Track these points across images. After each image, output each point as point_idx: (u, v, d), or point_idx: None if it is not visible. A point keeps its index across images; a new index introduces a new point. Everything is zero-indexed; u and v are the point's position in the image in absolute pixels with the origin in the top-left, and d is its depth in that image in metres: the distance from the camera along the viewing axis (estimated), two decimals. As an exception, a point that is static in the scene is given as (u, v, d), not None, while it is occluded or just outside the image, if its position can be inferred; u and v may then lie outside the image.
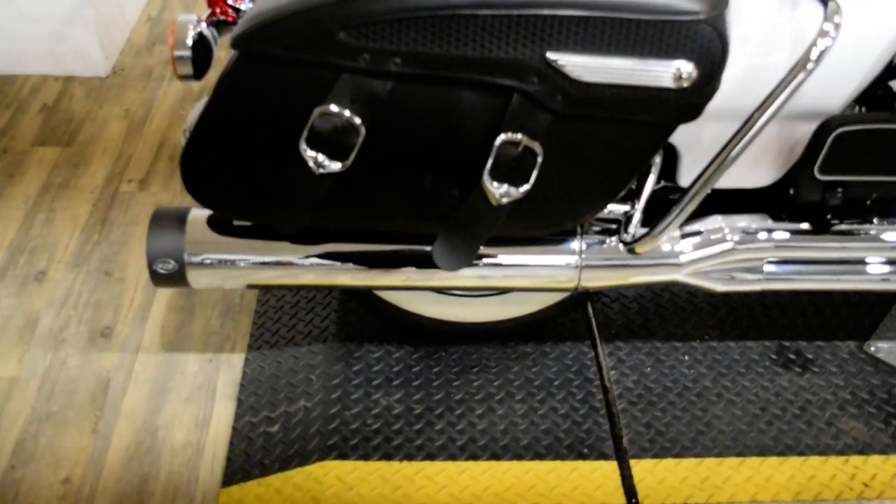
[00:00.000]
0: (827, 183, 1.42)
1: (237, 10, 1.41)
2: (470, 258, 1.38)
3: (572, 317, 1.91)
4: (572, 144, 1.26)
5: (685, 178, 1.45)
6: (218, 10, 1.41)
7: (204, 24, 1.35)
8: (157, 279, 1.47)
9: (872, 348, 1.87)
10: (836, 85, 1.41)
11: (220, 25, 1.40)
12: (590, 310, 1.92)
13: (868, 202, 1.44)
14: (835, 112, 1.44)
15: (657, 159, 1.45)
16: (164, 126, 2.50)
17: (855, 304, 1.96)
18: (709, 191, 1.37)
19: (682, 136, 1.41)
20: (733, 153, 1.31)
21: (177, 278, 1.47)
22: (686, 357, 1.84)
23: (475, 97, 1.22)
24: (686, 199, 1.38)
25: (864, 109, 1.58)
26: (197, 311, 1.92)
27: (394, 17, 1.15)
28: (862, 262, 1.55)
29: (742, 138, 1.30)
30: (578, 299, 1.83)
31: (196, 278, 1.48)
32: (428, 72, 1.19)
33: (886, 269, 1.53)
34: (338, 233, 1.46)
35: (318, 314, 1.90)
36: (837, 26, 1.24)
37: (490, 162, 1.23)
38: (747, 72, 1.31)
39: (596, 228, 1.51)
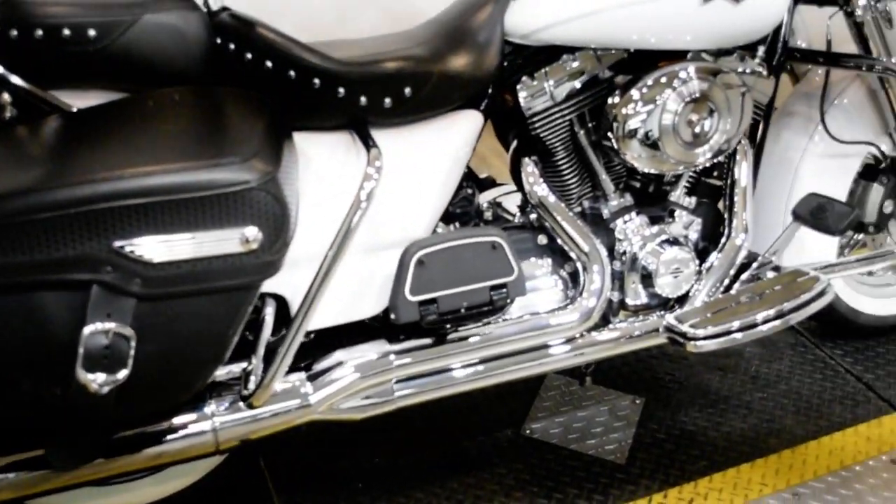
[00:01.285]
0: (420, 302, 1.55)
1: None
2: (93, 451, 1.37)
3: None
4: (164, 322, 1.29)
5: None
6: None
7: None
8: None
9: (528, 430, 2.03)
10: (410, 214, 1.56)
11: None
12: (261, 462, 1.94)
13: (462, 310, 1.60)
14: (421, 237, 1.59)
15: (269, 309, 1.53)
16: None
17: (504, 394, 2.12)
18: (303, 334, 1.45)
19: (284, 285, 1.50)
20: (316, 294, 1.41)
21: None
22: (360, 485, 1.89)
23: (55, 295, 1.23)
24: (285, 346, 1.46)
25: (458, 225, 1.76)
26: None
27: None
28: (480, 361, 1.69)
29: (318, 279, 1.40)
30: (248, 454, 1.84)
31: None
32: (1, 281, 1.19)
33: (496, 363, 1.68)
34: None
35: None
36: (379, 169, 1.39)
37: (80, 354, 1.24)
38: (315, 218, 1.43)
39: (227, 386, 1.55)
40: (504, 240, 1.60)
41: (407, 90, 1.51)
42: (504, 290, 1.60)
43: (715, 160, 1.77)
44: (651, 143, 1.68)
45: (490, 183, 1.93)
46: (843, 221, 1.77)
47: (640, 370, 2.20)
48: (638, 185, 1.85)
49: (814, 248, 2.08)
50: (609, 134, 1.68)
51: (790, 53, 1.95)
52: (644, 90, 1.66)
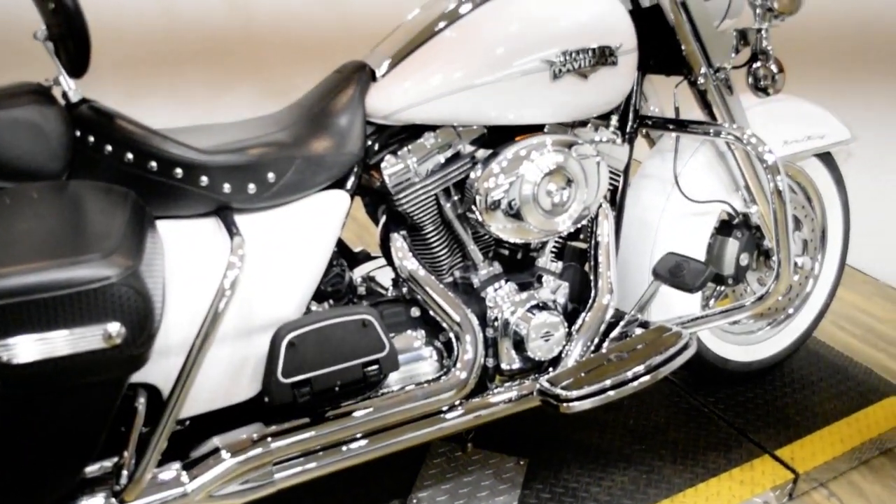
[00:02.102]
0: (294, 384, 1.57)
1: None
2: None
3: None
4: (29, 421, 1.27)
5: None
6: None
7: None
8: None
9: (414, 500, 2.04)
10: (280, 297, 1.58)
11: None
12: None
13: (336, 388, 1.61)
14: (292, 318, 1.61)
15: (141, 400, 1.51)
16: None
17: (390, 464, 2.13)
18: (174, 424, 1.45)
19: (155, 375, 1.49)
20: (186, 383, 1.41)
21: None
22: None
23: None
24: (156, 436, 1.45)
25: (331, 303, 1.78)
26: None
27: None
28: (360, 436, 1.71)
29: (186, 368, 1.40)
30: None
31: None
32: None
33: (376, 437, 1.71)
34: None
35: None
36: (242, 257, 1.41)
37: None
38: (183, 307, 1.43)
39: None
40: (374, 316, 1.63)
41: (270, 176, 1.54)
42: (377, 366, 1.63)
43: (577, 226, 1.85)
44: (513, 215, 1.75)
45: (365, 257, 1.97)
46: (699, 279, 1.86)
47: (523, 430, 2.25)
48: (506, 253, 1.92)
49: (679, 303, 2.17)
50: (473, 207, 1.75)
51: (642, 121, 2.07)
52: (503, 164, 1.74)
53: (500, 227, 1.76)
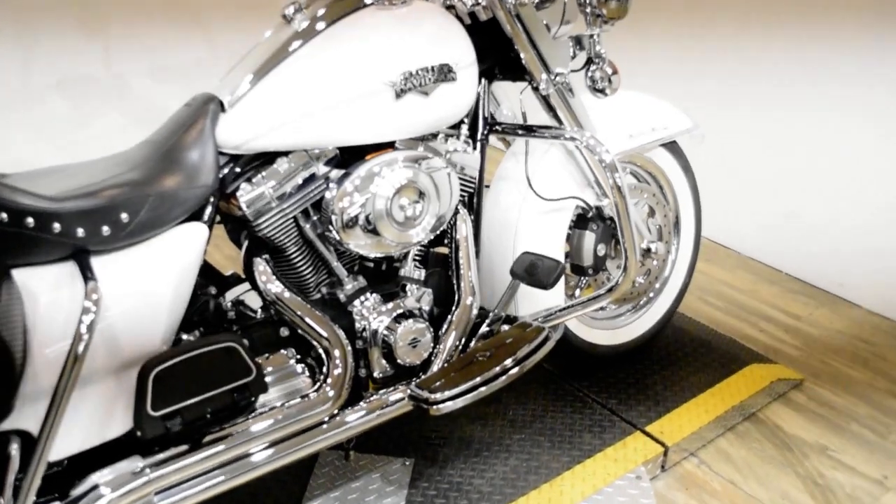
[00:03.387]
0: (164, 416, 1.61)
1: None
2: None
3: None
4: None
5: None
6: None
7: None
8: None
9: (306, 510, 2.11)
10: (144, 332, 1.63)
11: None
12: None
13: (207, 416, 1.67)
14: (158, 351, 1.65)
15: (14, 446, 1.54)
16: None
17: (281, 476, 2.19)
18: (45, 466, 1.48)
19: (25, 420, 1.52)
20: (53, 425, 1.44)
21: None
22: None
23: None
24: (27, 480, 1.48)
25: (202, 331, 1.83)
26: None
27: None
28: (239, 457, 1.76)
29: (52, 411, 1.44)
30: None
31: None
32: None
33: (255, 456, 1.77)
34: None
35: None
36: (97, 301, 1.45)
37: None
38: (45, 352, 1.47)
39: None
40: (238, 343, 1.69)
41: (124, 216, 1.58)
42: (245, 390, 1.69)
43: (434, 234, 1.95)
44: (370, 231, 1.83)
45: (235, 280, 2.02)
46: (552, 275, 1.98)
47: (407, 432, 2.34)
48: (370, 266, 2.00)
49: (546, 295, 2.29)
50: (330, 226, 1.82)
51: (492, 126, 2.17)
52: (356, 183, 1.81)
53: (358, 243, 1.84)
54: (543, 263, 1.99)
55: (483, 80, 2.12)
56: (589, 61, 2.15)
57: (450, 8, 2.07)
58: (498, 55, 2.13)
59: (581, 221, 2.35)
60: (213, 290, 1.92)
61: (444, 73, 1.86)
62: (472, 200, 2.15)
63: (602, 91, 2.15)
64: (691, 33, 3.54)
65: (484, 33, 2.07)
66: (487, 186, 2.36)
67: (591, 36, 2.11)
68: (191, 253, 1.70)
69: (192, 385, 1.63)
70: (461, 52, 1.91)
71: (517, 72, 2.15)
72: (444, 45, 1.87)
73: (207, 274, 1.94)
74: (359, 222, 1.82)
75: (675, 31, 3.46)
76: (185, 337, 1.77)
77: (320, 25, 1.82)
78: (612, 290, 2.18)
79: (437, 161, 1.90)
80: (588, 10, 2.07)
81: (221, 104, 1.79)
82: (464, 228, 2.08)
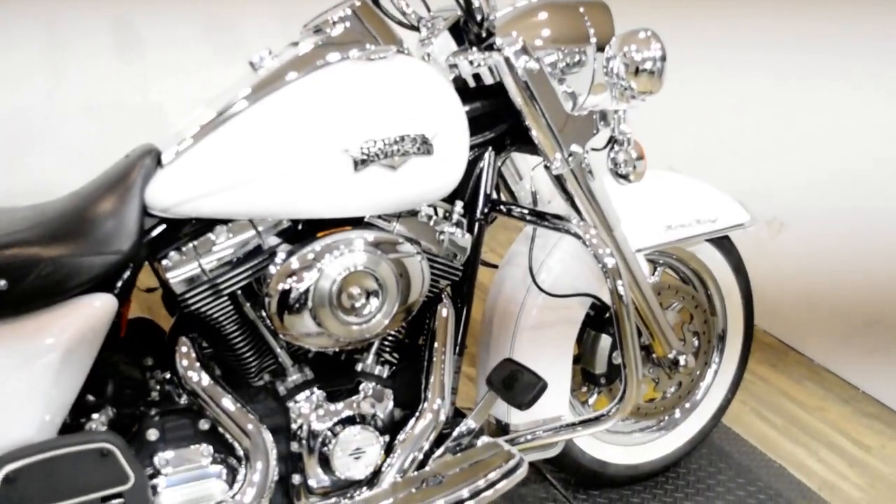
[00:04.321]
0: (16, 519, 1.38)
1: None
2: None
3: None
4: None
5: None
6: None
7: None
8: None
9: None
10: (18, 421, 1.40)
11: None
12: None
13: None
14: (38, 440, 1.42)
15: None
16: None
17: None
18: None
19: None
20: None
21: None
22: None
23: None
24: None
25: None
26: None
27: None
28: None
29: None
30: None
31: None
32: None
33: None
34: None
35: None
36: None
37: None
38: None
39: None
40: (116, 444, 1.44)
41: (1, 283, 1.36)
42: (120, 499, 1.44)
43: (395, 328, 1.66)
44: (309, 320, 1.56)
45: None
46: (529, 394, 1.66)
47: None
48: (325, 355, 1.73)
49: (545, 402, 1.96)
50: (264, 311, 1.56)
51: (495, 206, 1.87)
52: (299, 261, 1.55)
53: (294, 333, 1.57)
54: (523, 378, 1.68)
55: (490, 151, 1.83)
56: (612, 141, 1.82)
57: (452, 67, 1.79)
58: (510, 123, 1.83)
59: (596, 321, 2.02)
60: (149, 362, 1.69)
61: (418, 145, 1.57)
62: (463, 287, 1.85)
63: (625, 177, 1.82)
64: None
65: (495, 96, 1.78)
66: (495, 266, 2.06)
67: (617, 112, 1.79)
68: (89, 330, 1.47)
69: (50, 490, 1.39)
70: (445, 121, 1.62)
71: (532, 144, 1.84)
72: (420, 112, 1.59)
73: (150, 341, 1.72)
74: (295, 309, 1.55)
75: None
76: (86, 423, 1.53)
77: (285, 78, 1.57)
78: (599, 420, 1.83)
79: (406, 246, 1.62)
80: (615, 81, 1.75)
81: (159, 158, 1.56)
82: (443, 319, 1.78)
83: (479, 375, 2.03)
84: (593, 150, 1.85)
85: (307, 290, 1.54)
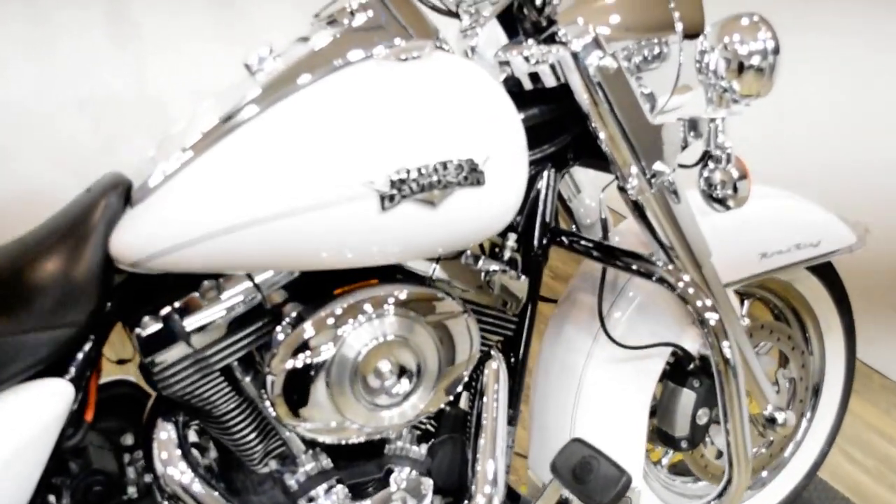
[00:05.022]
0: None
1: None
2: None
3: None
4: None
5: None
6: None
7: None
8: None
9: None
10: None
11: None
12: None
13: None
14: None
15: None
16: None
17: None
18: None
19: None
20: None
21: None
22: None
23: None
24: None
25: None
26: None
27: None
28: None
29: None
30: None
31: None
32: None
33: None
34: None
35: None
36: None
37: None
38: None
39: None
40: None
41: None
42: None
43: (433, 410, 1.30)
44: (329, 406, 1.20)
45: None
46: (610, 492, 1.29)
47: None
48: (345, 434, 1.36)
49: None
50: (263, 392, 1.20)
51: (555, 237, 1.50)
52: (314, 329, 1.18)
53: (305, 424, 1.21)
54: (600, 468, 1.31)
55: (549, 168, 1.46)
56: (706, 156, 1.43)
57: (503, 65, 1.40)
58: (575, 132, 1.45)
59: (677, 373, 1.65)
60: (128, 440, 1.35)
61: (464, 174, 1.19)
62: (518, 340, 1.48)
63: (722, 202, 1.44)
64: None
65: (557, 100, 1.40)
66: (554, 301, 1.69)
67: (713, 121, 1.40)
68: (36, 428, 1.11)
69: None
70: (499, 140, 1.24)
71: (601, 158, 1.45)
72: (467, 129, 1.21)
73: (130, 411, 1.37)
74: (307, 392, 1.18)
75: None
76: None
77: (290, 85, 1.19)
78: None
79: (449, 303, 1.25)
80: (711, 81, 1.36)
81: (129, 193, 1.19)
82: (493, 379, 1.42)
83: (532, 440, 1.67)
84: (680, 166, 1.46)
85: (322, 368, 1.18)
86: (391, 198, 1.15)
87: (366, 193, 1.15)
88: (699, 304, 1.34)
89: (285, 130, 1.17)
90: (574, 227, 1.70)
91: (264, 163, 1.16)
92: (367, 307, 1.20)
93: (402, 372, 1.23)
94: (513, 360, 1.49)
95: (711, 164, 1.42)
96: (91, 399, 1.26)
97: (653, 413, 1.69)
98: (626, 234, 1.63)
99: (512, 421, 1.49)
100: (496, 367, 1.43)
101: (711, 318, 1.34)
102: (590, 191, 1.69)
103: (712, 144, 1.41)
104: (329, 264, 1.21)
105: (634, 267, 1.39)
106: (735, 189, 1.41)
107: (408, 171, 1.15)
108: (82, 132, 2.79)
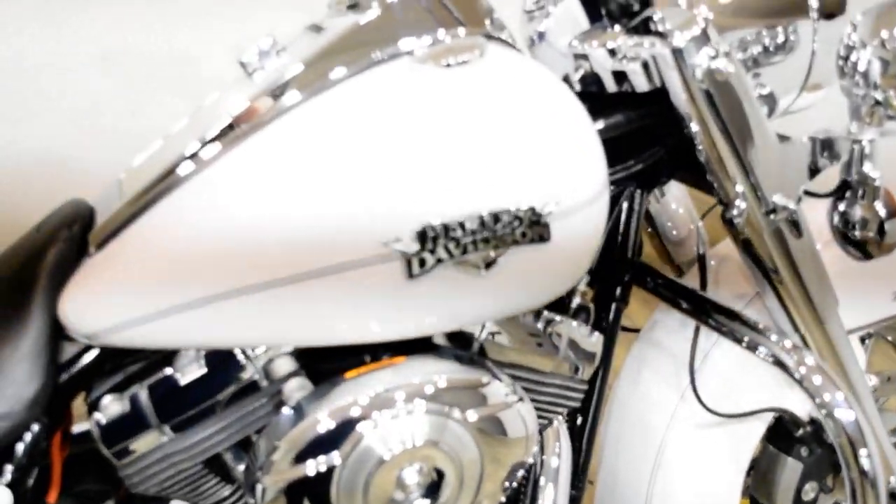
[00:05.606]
0: None
1: None
2: None
3: None
4: None
5: None
6: None
7: None
8: None
9: None
10: None
11: None
12: None
13: None
14: None
15: None
16: None
17: None
18: None
19: None
20: None
21: None
22: None
23: None
24: None
25: None
26: None
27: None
28: None
29: None
30: None
31: None
32: None
33: None
34: None
35: None
36: None
37: None
38: None
39: None
40: None
41: None
42: None
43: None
44: None
45: None
46: None
47: None
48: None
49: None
50: (253, 498, 0.92)
51: (639, 276, 1.18)
52: (313, 426, 0.90)
53: None
54: None
55: (634, 189, 1.14)
56: (844, 187, 1.09)
57: (580, 59, 1.07)
58: (670, 144, 1.13)
59: (781, 438, 1.34)
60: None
61: (523, 229, 0.88)
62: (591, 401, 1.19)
63: (860, 246, 1.10)
64: None
65: (648, 104, 1.08)
66: (635, 331, 1.39)
67: (858, 142, 1.06)
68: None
69: None
70: (570, 179, 0.92)
71: (699, 176, 1.12)
72: (530, 167, 0.89)
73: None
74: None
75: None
76: None
77: (300, 92, 0.89)
78: None
79: (499, 389, 0.95)
80: (860, 89, 1.02)
81: (84, 240, 0.91)
82: (554, 450, 1.13)
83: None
84: (807, 193, 1.13)
85: (329, 477, 0.90)
86: (421, 262, 0.85)
87: (387, 255, 0.84)
88: (827, 397, 1.01)
89: (281, 153, 0.87)
90: (657, 239, 1.38)
91: (253, 202, 0.86)
92: (390, 394, 0.90)
93: (440, 482, 0.94)
94: (580, 426, 1.20)
95: (851, 197, 1.08)
96: (55, 477, 1.00)
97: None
98: (728, 262, 1.31)
99: (577, 497, 1.21)
100: (556, 437, 1.14)
101: (845, 417, 1.01)
102: (676, 193, 1.36)
103: (854, 172, 1.07)
104: (338, 340, 0.92)
105: (738, 336, 1.07)
106: (882, 232, 1.07)
107: (445, 227, 0.84)
108: (104, 91, 2.53)
